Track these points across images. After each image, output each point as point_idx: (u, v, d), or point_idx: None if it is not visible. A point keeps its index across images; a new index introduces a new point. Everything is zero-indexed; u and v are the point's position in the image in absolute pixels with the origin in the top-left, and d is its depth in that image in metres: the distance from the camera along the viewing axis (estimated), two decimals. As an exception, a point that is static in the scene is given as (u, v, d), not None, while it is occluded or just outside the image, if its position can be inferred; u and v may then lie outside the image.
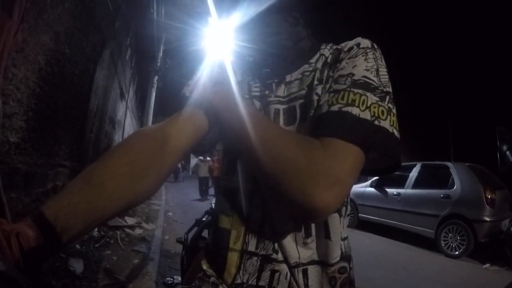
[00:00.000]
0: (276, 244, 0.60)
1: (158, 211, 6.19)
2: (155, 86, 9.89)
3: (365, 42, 0.60)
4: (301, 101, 0.62)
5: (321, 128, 0.53)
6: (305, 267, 0.60)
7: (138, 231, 4.17)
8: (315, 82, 0.61)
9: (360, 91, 0.53)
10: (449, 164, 5.78)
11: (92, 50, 4.40)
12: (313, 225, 0.61)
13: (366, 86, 0.54)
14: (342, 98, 0.53)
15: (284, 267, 0.60)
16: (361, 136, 0.50)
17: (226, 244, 0.64)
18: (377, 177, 6.29)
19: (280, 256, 0.60)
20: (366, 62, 0.57)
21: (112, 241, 3.50)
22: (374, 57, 0.58)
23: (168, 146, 0.57)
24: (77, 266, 2.56)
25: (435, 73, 15.28)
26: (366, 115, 0.52)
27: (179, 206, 7.70)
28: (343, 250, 0.63)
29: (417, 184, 5.99)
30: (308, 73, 0.64)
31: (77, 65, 3.82)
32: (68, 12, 3.22)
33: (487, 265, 4.60)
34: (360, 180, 8.42)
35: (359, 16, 15.35)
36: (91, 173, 0.49)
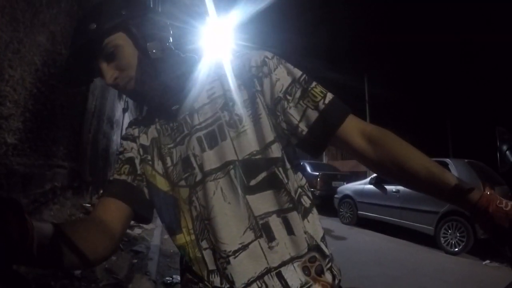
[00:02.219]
0: (229, 275, 0.63)
1: (158, 211, 6.20)
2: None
3: (266, 52, 0.70)
4: (218, 122, 0.68)
5: (335, 117, 0.65)
6: (277, 270, 0.63)
7: (137, 231, 4.17)
8: (230, 103, 0.68)
9: (312, 84, 0.67)
10: (448, 160, 5.79)
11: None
12: (273, 229, 0.65)
13: (309, 79, 0.68)
14: (316, 95, 0.65)
15: None
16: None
17: (200, 282, 0.69)
18: (377, 174, 6.29)
19: (238, 285, 0.63)
20: (286, 65, 0.69)
21: (111, 241, 3.50)
22: (281, 59, 0.70)
23: (108, 226, 0.65)
24: (76, 266, 2.56)
25: (433, 70, 15.29)
26: (330, 93, 0.67)
27: (179, 206, 7.72)
28: (308, 242, 0.66)
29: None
30: (217, 98, 0.70)
31: (74, 65, 3.81)
32: (64, 12, 3.20)
33: (487, 261, 4.62)
34: (359, 177, 8.44)
35: (359, 14, 15.34)
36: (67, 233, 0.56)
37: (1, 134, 2.42)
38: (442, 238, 5.22)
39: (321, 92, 0.66)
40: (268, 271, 0.63)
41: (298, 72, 0.68)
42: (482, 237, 4.78)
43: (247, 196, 0.65)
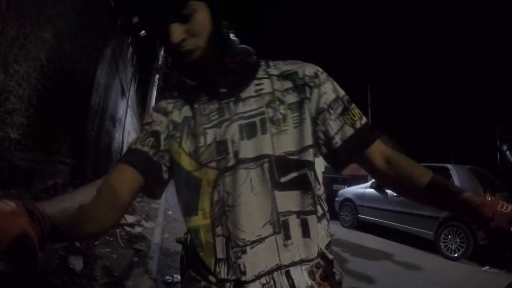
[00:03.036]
0: (241, 265, 0.64)
1: (158, 210, 6.18)
2: (156, 84, 9.88)
3: (318, 67, 0.76)
4: (261, 117, 0.70)
5: (367, 138, 0.72)
6: (287, 269, 0.65)
7: (137, 229, 4.16)
8: (277, 103, 0.71)
9: (352, 105, 0.74)
10: (449, 166, 5.78)
11: (94, 47, 4.40)
12: (291, 228, 0.67)
13: (350, 100, 0.74)
14: (354, 115, 0.72)
15: (255, 285, 0.64)
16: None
17: (204, 273, 0.70)
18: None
19: (249, 276, 0.64)
20: (333, 82, 0.75)
21: (111, 239, 3.49)
22: (330, 77, 0.76)
23: (117, 193, 0.66)
24: (77, 263, 2.55)
25: (435, 75, 15.29)
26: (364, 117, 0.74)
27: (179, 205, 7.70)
28: (319, 249, 0.69)
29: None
30: (264, 94, 0.73)
31: (78, 62, 3.82)
32: (70, 9, 3.21)
33: (486, 267, 4.61)
34: (360, 181, 8.43)
35: (361, 16, 15.36)
36: (75, 200, 0.58)
37: (4, 129, 2.43)
38: (442, 243, 5.20)
39: (359, 113, 0.73)
40: (278, 268, 0.65)
41: (342, 91, 0.74)
42: (482, 243, 4.76)
43: (275, 191, 0.67)
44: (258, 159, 0.67)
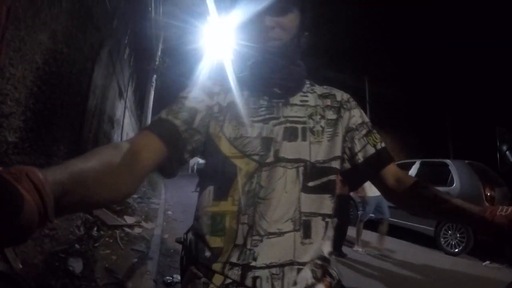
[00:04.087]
0: (255, 252, 0.68)
1: (158, 210, 6.19)
2: (153, 85, 9.87)
3: (349, 95, 0.87)
4: (303, 125, 0.77)
5: (385, 158, 0.82)
6: (300, 266, 0.69)
7: (137, 230, 4.16)
8: (318, 116, 0.80)
9: (374, 130, 0.84)
10: (448, 161, 5.79)
11: (90, 49, 4.38)
12: (313, 229, 0.72)
13: (372, 125, 0.85)
14: (376, 138, 0.83)
15: (264, 272, 0.68)
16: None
17: (216, 258, 0.71)
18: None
19: (258, 263, 0.68)
20: (360, 109, 0.86)
21: (111, 241, 3.49)
22: (358, 104, 0.87)
23: (139, 158, 0.63)
24: (76, 265, 2.55)
25: (433, 69, 15.27)
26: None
27: (179, 205, 7.70)
28: (326, 250, 0.76)
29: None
30: (308, 106, 0.81)
31: (75, 64, 3.81)
32: (65, 10, 3.20)
33: (487, 262, 4.62)
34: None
35: (359, 14, 15.33)
36: (87, 162, 0.53)
37: (1, 132, 2.42)
38: (442, 239, 5.22)
39: (379, 137, 0.84)
40: (291, 263, 0.69)
41: (366, 118, 0.86)
42: (482, 238, 4.78)
43: (301, 193, 0.73)
44: (295, 161, 0.74)
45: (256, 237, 0.69)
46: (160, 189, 10.15)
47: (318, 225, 0.73)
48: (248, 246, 0.69)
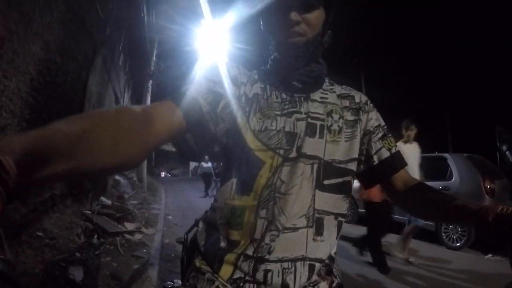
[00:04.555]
0: (271, 246, 0.69)
1: (158, 215, 6.18)
2: (150, 90, 9.87)
3: (368, 98, 0.88)
4: (321, 122, 0.77)
5: (398, 163, 0.84)
6: (311, 262, 0.71)
7: (138, 236, 4.17)
8: (337, 115, 0.80)
9: (390, 134, 0.86)
10: (447, 155, 5.78)
11: (84, 57, 4.39)
12: (325, 227, 0.74)
13: (388, 129, 0.86)
14: (391, 142, 0.85)
15: (276, 266, 0.69)
16: None
17: (230, 249, 0.72)
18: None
19: (272, 257, 0.69)
20: (377, 113, 0.87)
21: (112, 248, 3.49)
22: (375, 107, 0.88)
23: (151, 127, 0.59)
24: (77, 274, 2.56)
25: (432, 64, 15.29)
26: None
27: (179, 209, 7.69)
28: (333, 250, 0.79)
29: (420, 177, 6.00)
30: (328, 103, 0.81)
31: (69, 73, 3.81)
32: (57, 20, 3.20)
33: (489, 255, 4.61)
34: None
35: (359, 12, 15.34)
36: (76, 121, 0.50)
37: (-3, 144, 2.42)
38: (443, 234, 5.21)
39: (394, 142, 0.86)
40: (303, 259, 0.71)
41: (382, 121, 0.87)
42: (483, 237, 4.76)
43: (316, 190, 0.73)
44: (310, 158, 0.74)
45: (275, 232, 0.69)
46: (160, 194, 10.15)
47: (330, 223, 0.74)
48: (266, 241, 0.69)
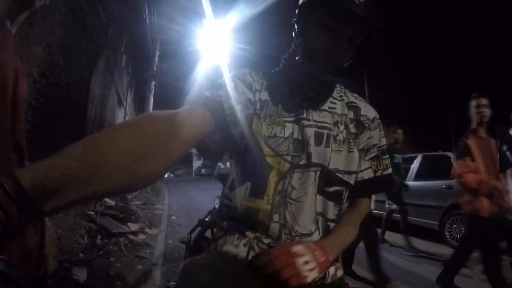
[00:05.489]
0: None
1: (161, 216, 6.20)
2: (152, 91, 9.91)
3: (376, 113, 0.87)
4: (327, 131, 0.79)
5: (376, 187, 0.86)
6: None
7: (141, 237, 4.18)
8: (343, 126, 0.82)
9: (385, 156, 0.86)
10: (450, 154, 5.76)
11: (87, 59, 4.41)
12: (320, 228, 0.77)
13: (386, 151, 0.86)
14: (381, 165, 0.85)
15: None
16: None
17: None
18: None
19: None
20: (381, 131, 0.86)
21: (115, 248, 3.51)
22: (381, 124, 0.87)
23: (177, 136, 0.57)
24: (81, 274, 2.57)
25: (436, 63, 15.23)
26: (390, 169, 0.87)
27: (183, 210, 7.70)
28: None
29: (419, 176, 5.97)
30: (335, 113, 0.82)
31: (72, 75, 3.84)
32: (59, 22, 3.23)
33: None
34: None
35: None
36: (95, 142, 0.47)
37: (1, 146, 2.45)
38: (447, 233, 5.18)
39: (386, 165, 0.86)
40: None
41: (383, 142, 0.87)
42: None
43: (317, 195, 0.76)
44: (316, 165, 0.76)
45: (288, 237, 0.73)
46: (163, 195, 10.18)
47: (322, 226, 0.78)
48: (279, 242, 0.74)
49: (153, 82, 9.83)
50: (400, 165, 4.75)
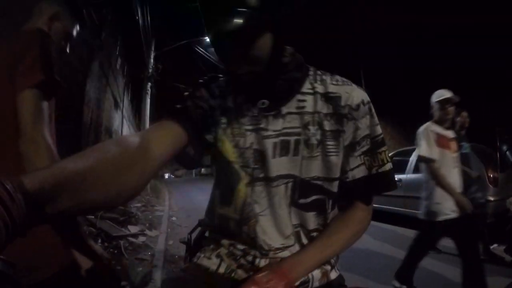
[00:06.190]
0: (262, 264, 0.71)
1: (162, 217, 6.20)
2: (149, 92, 9.89)
3: (365, 95, 0.72)
4: (296, 137, 0.70)
5: (373, 188, 0.73)
6: None
7: (141, 239, 4.18)
8: (315, 127, 0.70)
9: (382, 149, 0.71)
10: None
11: (79, 63, 4.39)
12: (303, 240, 0.74)
13: (382, 142, 0.72)
14: (374, 161, 0.70)
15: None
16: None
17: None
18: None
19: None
20: (372, 118, 0.71)
21: (116, 251, 3.51)
22: (372, 108, 0.72)
23: (148, 153, 0.59)
24: (81, 279, 2.57)
25: (435, 57, 15.20)
26: (389, 165, 0.72)
27: (183, 210, 7.70)
28: None
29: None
30: (305, 113, 0.71)
31: (65, 79, 3.82)
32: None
33: (495, 245, 4.58)
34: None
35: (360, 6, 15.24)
36: (81, 159, 0.50)
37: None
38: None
39: (383, 160, 0.71)
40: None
41: (377, 131, 0.72)
42: (488, 222, 4.73)
43: (292, 207, 0.71)
44: (285, 177, 0.70)
45: (262, 250, 0.71)
46: (164, 196, 10.19)
47: (304, 238, 0.73)
48: (249, 257, 0.72)
49: (149, 84, 9.81)
50: (469, 156, 4.00)
